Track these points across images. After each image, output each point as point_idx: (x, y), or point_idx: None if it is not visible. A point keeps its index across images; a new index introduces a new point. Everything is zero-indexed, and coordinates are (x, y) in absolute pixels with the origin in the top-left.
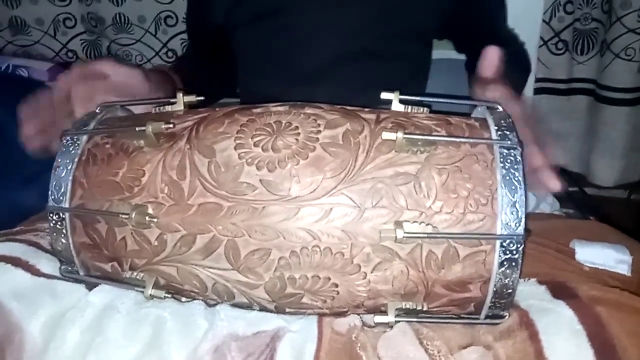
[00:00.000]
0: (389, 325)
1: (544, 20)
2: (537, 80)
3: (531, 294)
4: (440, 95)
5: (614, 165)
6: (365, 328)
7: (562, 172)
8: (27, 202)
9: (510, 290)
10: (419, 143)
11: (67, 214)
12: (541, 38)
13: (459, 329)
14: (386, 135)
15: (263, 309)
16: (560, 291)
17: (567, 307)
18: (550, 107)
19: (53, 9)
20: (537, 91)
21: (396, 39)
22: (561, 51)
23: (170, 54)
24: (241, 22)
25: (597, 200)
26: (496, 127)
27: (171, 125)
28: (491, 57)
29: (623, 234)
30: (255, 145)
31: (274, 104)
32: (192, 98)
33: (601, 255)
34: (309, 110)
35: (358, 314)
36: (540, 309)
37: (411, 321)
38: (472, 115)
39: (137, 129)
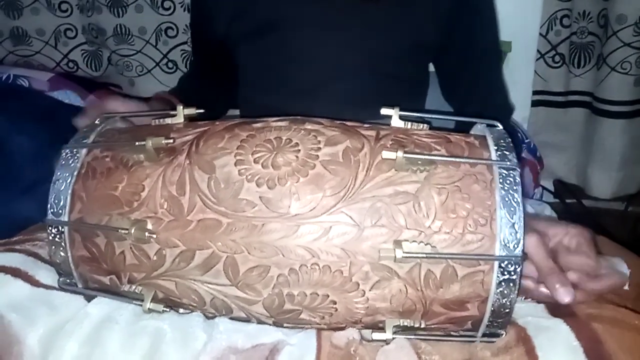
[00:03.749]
0: (387, 342)
1: (541, 34)
2: (535, 92)
3: (529, 311)
4: (439, 112)
5: (611, 177)
6: (364, 342)
7: (560, 184)
8: (25, 212)
9: (507, 310)
10: (419, 162)
11: (66, 228)
12: (538, 51)
13: (457, 344)
14: (386, 154)
15: (261, 323)
16: (557, 308)
17: (564, 324)
18: (547, 120)
19: (54, 20)
20: (535, 103)
21: (395, 56)
22: (558, 64)
23: (170, 64)
24: (241, 37)
25: (595, 212)
26: (495, 147)
27: (171, 140)
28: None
29: (620, 246)
30: (256, 161)
31: (274, 119)
32: (192, 111)
33: None
34: (309, 126)
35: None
36: (537, 326)
37: (409, 338)
38: (472, 132)
39: (137, 143)
